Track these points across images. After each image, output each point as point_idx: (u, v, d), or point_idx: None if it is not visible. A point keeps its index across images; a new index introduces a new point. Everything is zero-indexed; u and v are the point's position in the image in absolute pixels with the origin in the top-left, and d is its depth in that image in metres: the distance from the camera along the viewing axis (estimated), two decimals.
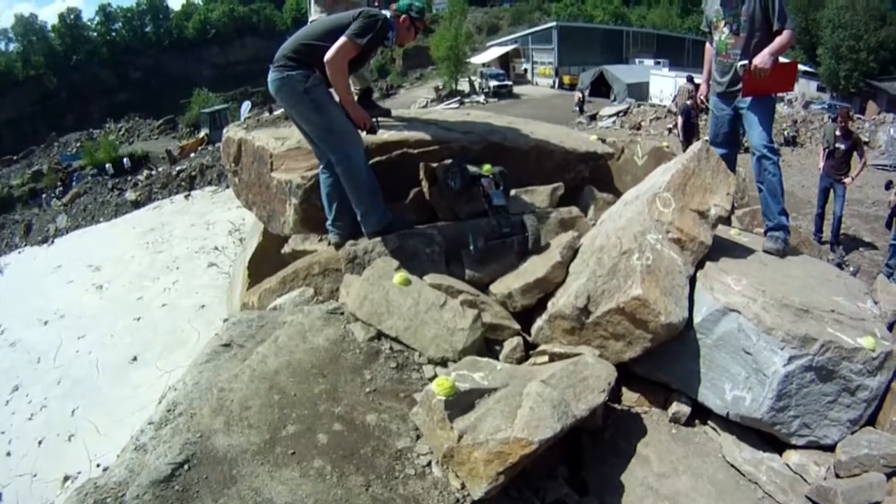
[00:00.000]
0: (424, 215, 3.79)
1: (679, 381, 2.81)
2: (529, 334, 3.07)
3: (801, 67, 23.79)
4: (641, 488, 2.45)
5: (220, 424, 2.20)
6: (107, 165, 30.11)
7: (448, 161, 3.62)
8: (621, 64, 39.33)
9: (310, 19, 4.07)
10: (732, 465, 2.58)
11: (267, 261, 4.81)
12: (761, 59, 3.35)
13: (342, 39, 3.05)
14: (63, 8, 68.81)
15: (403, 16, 3.33)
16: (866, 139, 15.73)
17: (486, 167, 3.65)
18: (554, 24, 44.58)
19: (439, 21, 48.93)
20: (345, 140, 3.18)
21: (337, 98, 3.24)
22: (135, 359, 10.00)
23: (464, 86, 39.80)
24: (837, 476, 2.42)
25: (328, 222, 3.50)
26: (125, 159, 30.87)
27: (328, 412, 2.35)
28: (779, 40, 3.38)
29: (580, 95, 29.57)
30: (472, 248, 3.29)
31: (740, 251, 3.27)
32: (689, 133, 11.09)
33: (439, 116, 4.89)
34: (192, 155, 29.16)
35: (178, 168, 26.49)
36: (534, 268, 3.16)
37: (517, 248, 3.38)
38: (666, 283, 2.68)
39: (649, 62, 38.69)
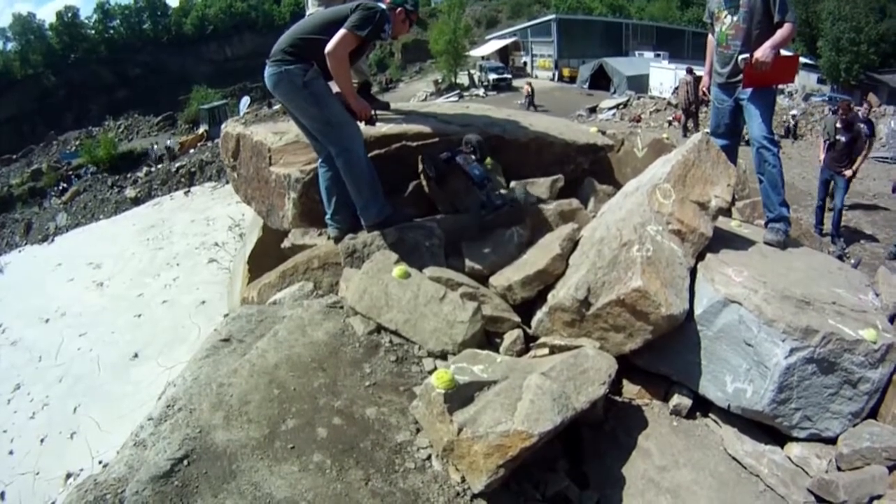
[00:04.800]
0: (423, 208, 3.78)
1: (680, 373, 2.80)
2: (529, 326, 3.06)
3: (801, 60, 23.67)
4: (642, 481, 2.45)
5: (220, 419, 2.20)
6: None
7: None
8: (621, 56, 39.13)
9: (307, 13, 4.05)
10: (734, 458, 2.57)
11: (267, 256, 4.81)
12: (763, 52, 3.32)
13: (342, 31, 3.03)
14: (61, 6, 68.50)
15: (399, 8, 3.32)
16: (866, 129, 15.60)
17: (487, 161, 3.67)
18: (553, 16, 44.32)
19: (438, 15, 48.71)
20: (344, 133, 3.17)
21: (335, 91, 3.22)
22: (136, 355, 10.00)
23: (463, 79, 39.66)
24: (839, 469, 2.42)
25: (327, 216, 3.49)
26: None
27: (328, 406, 2.34)
28: (780, 33, 3.36)
29: (528, 88, 27.35)
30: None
31: (741, 243, 3.25)
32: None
33: (438, 110, 4.87)
34: (192, 151, 29.12)
35: (177, 164, 26.45)
36: (534, 260, 3.14)
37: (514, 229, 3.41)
38: (666, 274, 2.66)
39: (649, 55, 38.45)
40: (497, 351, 2.83)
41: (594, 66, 35.69)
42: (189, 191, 21.87)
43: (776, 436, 2.63)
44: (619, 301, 2.62)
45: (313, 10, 4.03)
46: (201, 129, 33.67)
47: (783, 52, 3.47)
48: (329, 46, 3.03)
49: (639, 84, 30.99)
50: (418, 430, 2.31)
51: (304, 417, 2.27)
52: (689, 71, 15.94)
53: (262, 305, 3.29)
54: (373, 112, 3.44)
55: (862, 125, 8.42)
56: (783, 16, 3.37)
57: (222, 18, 72.90)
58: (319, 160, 3.42)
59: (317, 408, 2.32)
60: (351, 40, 3.06)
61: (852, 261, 7.15)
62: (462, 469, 2.11)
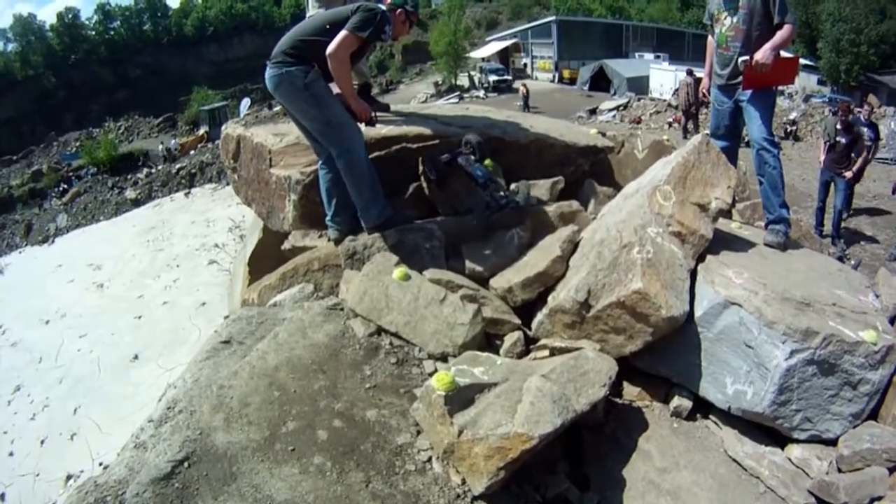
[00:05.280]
0: (424, 210, 3.78)
1: (680, 375, 2.80)
2: (530, 329, 3.06)
3: (801, 61, 23.69)
4: (643, 483, 2.44)
5: (220, 422, 2.20)
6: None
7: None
8: (621, 58, 39.15)
9: (308, 15, 4.05)
10: (734, 460, 2.57)
11: (267, 257, 4.81)
12: (762, 54, 3.32)
13: (343, 33, 3.04)
14: (61, 7, 68.51)
15: (399, 10, 3.33)
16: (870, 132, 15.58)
17: (487, 162, 3.66)
18: (553, 18, 44.36)
19: (438, 16, 48.76)
20: (345, 133, 3.17)
21: (335, 92, 3.23)
22: (136, 357, 10.02)
23: (463, 81, 39.71)
24: (839, 470, 2.41)
25: (327, 218, 3.49)
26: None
27: (328, 408, 2.34)
28: (780, 35, 3.36)
29: (523, 89, 28.85)
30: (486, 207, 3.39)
31: (741, 244, 3.25)
32: None
33: (438, 111, 4.88)
34: (192, 152, 29.15)
35: (178, 166, 26.48)
36: (534, 262, 3.14)
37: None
38: (667, 276, 2.66)
39: (649, 56, 38.47)
40: (497, 353, 2.83)
41: (594, 67, 35.72)
42: (189, 192, 21.91)
43: (776, 437, 2.63)
44: (620, 303, 2.62)
45: (314, 11, 4.04)
46: (201, 131, 33.74)
47: (783, 54, 3.47)
48: (330, 48, 3.03)
49: (639, 86, 31.00)
50: (419, 433, 2.30)
51: (305, 420, 2.27)
52: (690, 72, 15.93)
53: (262, 307, 3.29)
54: (373, 113, 3.45)
55: (865, 129, 8.41)
56: (783, 17, 3.37)
57: (223, 20, 72.95)
58: (320, 162, 3.42)
59: (317, 410, 2.32)
60: (352, 42, 3.07)
61: (852, 262, 7.14)
62: (462, 471, 2.11)
